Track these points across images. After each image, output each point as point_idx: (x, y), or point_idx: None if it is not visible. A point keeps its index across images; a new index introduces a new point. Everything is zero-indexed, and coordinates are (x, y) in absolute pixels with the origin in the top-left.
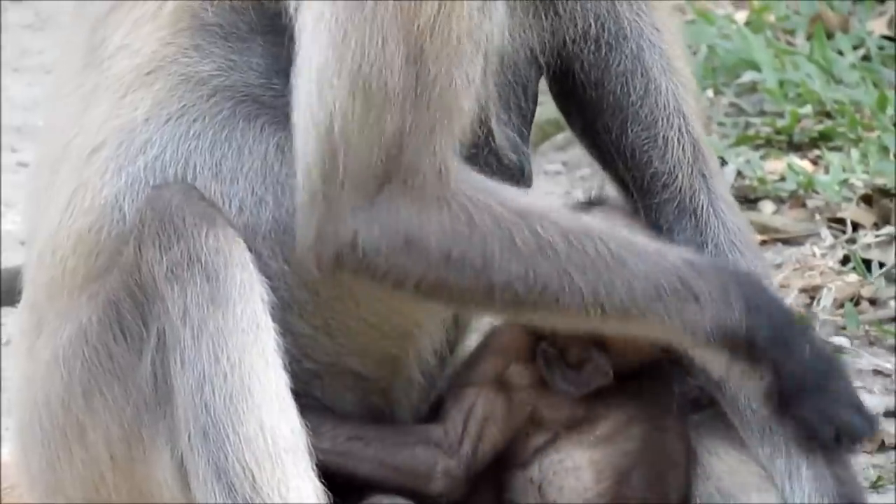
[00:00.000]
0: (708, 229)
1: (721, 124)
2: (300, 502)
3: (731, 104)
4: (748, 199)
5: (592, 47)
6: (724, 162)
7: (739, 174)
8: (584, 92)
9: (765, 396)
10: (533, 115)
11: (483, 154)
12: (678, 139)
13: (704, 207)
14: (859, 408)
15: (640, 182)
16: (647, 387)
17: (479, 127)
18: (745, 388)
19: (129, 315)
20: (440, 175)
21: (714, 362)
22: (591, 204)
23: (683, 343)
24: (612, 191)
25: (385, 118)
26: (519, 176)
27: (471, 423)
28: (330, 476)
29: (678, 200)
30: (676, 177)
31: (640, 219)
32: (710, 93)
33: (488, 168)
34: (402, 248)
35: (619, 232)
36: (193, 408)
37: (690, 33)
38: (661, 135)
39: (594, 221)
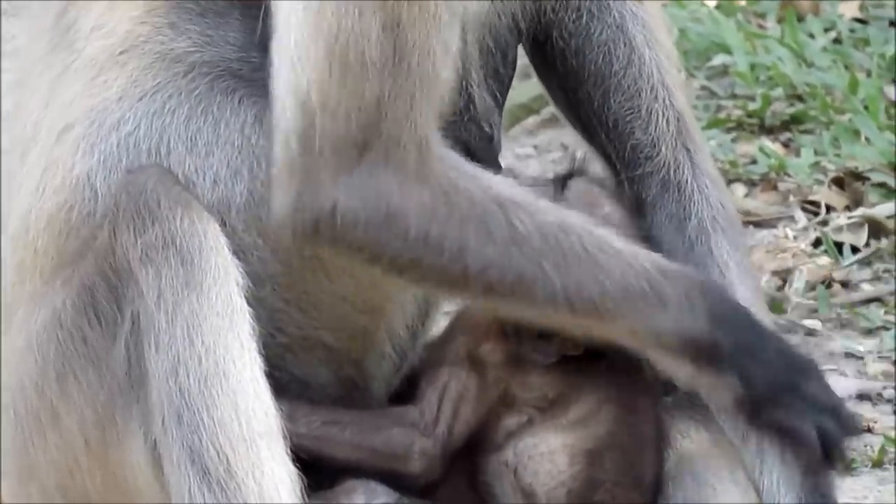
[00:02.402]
0: (691, 204)
1: (693, 107)
2: (274, 486)
3: (703, 87)
4: None
5: (573, 15)
6: None
7: (711, 157)
8: (566, 61)
9: (736, 406)
10: (510, 81)
11: (463, 121)
12: (662, 111)
13: (688, 181)
14: (837, 409)
15: (623, 154)
16: (619, 368)
17: (461, 94)
18: (714, 399)
19: (104, 299)
20: (421, 148)
21: (680, 372)
22: (569, 175)
23: (649, 349)
24: (594, 165)
25: (363, 86)
26: (491, 143)
27: (445, 403)
28: (305, 460)
29: (662, 173)
30: (660, 149)
31: (624, 191)
32: (681, 76)
33: (468, 134)
34: (382, 222)
35: (594, 229)
36: (168, 391)
37: None
38: (645, 106)
39: (571, 216)
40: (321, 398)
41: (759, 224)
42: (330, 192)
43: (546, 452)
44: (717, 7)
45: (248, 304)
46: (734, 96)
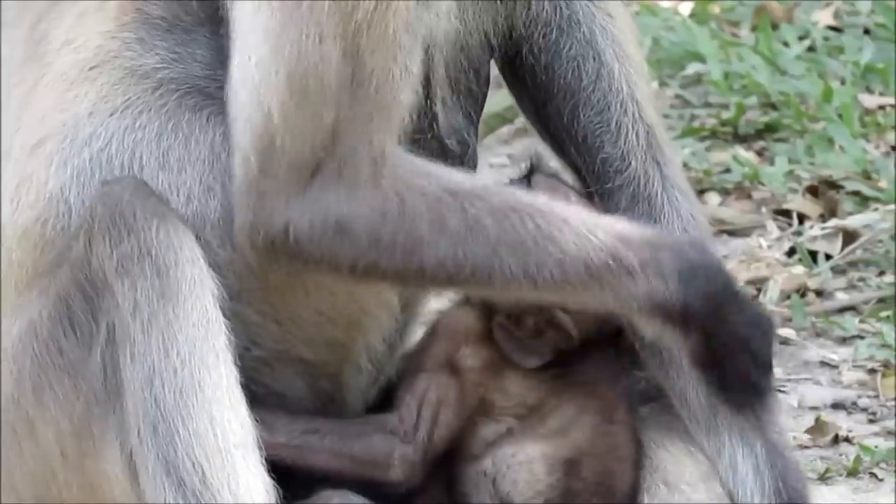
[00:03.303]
0: (662, 217)
1: (666, 116)
2: (249, 497)
3: (677, 96)
4: (694, 191)
5: (544, 31)
6: None
7: (685, 166)
8: (535, 76)
9: (692, 357)
10: (485, 98)
11: (427, 139)
12: (631, 125)
13: (658, 194)
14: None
15: (593, 167)
16: (597, 379)
17: (425, 113)
18: (675, 349)
19: (79, 310)
20: (374, 163)
21: (647, 328)
22: (530, 173)
23: (620, 313)
24: (555, 164)
25: (321, 113)
26: (462, 160)
27: (425, 409)
28: (283, 471)
29: (632, 187)
30: (629, 163)
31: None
32: (655, 85)
33: (431, 153)
34: (333, 234)
35: (549, 206)
36: (143, 402)
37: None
38: (614, 120)
39: (525, 196)
40: (298, 410)
41: (733, 233)
42: (283, 211)
43: (524, 461)
44: (691, 15)
45: (224, 317)
46: (708, 105)
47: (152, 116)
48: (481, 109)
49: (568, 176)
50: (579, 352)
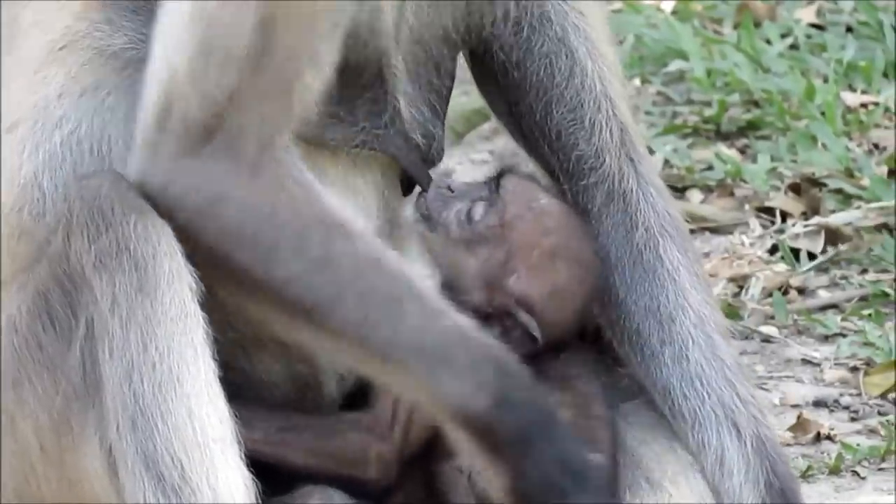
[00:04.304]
0: (637, 213)
1: (648, 113)
2: (228, 491)
3: (659, 93)
4: (676, 188)
5: (514, 29)
6: (651, 151)
7: (667, 163)
8: (507, 73)
9: (505, 492)
10: (449, 92)
11: (389, 133)
12: (605, 122)
13: (633, 191)
14: None
15: (567, 165)
16: (574, 374)
17: (384, 105)
18: (487, 480)
19: (58, 305)
20: (262, 145)
21: (461, 444)
22: (501, 174)
23: (431, 410)
24: (531, 167)
25: (223, 78)
26: (428, 153)
27: (400, 407)
28: (263, 466)
29: (607, 184)
30: (604, 160)
31: (560, 193)
32: (637, 82)
33: (395, 147)
34: (204, 206)
35: (411, 279)
36: (122, 397)
37: (617, 22)
38: (588, 117)
39: (394, 259)
40: (275, 398)
41: (715, 231)
42: (167, 170)
43: None
44: (673, 13)
45: (201, 301)
46: (690, 102)
47: (121, 98)
48: (447, 103)
49: (541, 175)
50: (557, 348)
